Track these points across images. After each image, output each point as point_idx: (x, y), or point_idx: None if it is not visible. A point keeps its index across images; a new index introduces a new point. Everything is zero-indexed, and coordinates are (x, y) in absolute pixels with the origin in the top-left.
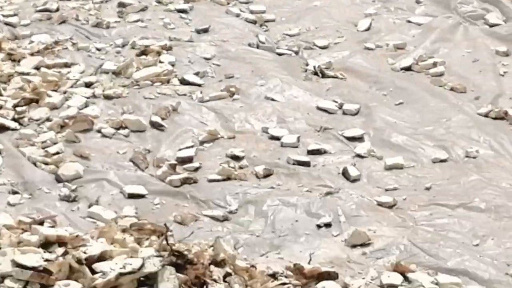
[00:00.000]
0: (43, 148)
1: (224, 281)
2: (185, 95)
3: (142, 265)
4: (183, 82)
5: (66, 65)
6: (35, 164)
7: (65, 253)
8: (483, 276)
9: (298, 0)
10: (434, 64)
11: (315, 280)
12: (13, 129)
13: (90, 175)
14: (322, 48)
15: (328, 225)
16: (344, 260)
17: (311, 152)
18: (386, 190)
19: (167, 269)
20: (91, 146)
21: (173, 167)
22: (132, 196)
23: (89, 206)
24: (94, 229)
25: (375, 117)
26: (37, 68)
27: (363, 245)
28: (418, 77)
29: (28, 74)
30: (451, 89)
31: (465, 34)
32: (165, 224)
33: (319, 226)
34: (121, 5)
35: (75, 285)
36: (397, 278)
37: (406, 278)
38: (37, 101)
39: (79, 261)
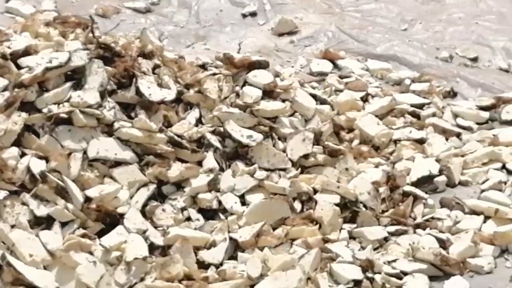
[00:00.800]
0: None
1: (153, 73)
2: None
3: (69, 59)
4: None
5: None
6: None
7: None
8: (413, 60)
9: None
10: None
11: (245, 70)
12: None
13: None
14: None
15: (253, 14)
16: (272, 49)
17: None
18: None
19: (94, 62)
20: None
21: None
22: None
23: (7, 1)
24: (15, 23)
25: None
26: None
27: (290, 33)
28: None
29: None
30: None
31: None
32: (90, 16)
33: (244, 15)
34: None
35: (1, 81)
36: (326, 65)
37: (335, 65)
38: None
39: (3, 57)
